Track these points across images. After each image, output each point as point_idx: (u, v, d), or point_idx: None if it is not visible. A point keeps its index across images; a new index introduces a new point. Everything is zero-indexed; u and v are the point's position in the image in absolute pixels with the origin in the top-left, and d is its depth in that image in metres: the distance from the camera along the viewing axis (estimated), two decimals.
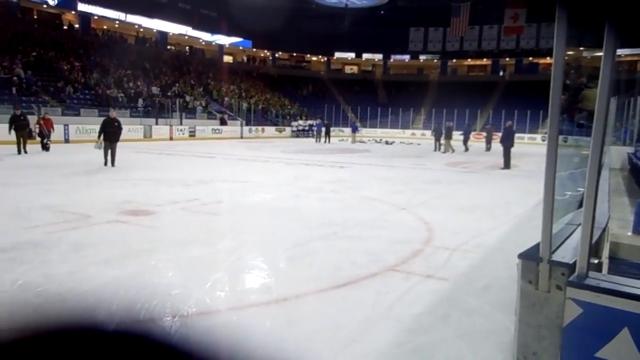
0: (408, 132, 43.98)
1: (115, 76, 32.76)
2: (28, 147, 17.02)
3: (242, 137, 34.58)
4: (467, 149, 25.57)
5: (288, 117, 43.77)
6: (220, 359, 0.53)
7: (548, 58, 49.27)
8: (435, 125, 28.76)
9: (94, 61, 33.44)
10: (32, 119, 18.53)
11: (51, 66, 29.69)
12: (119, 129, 13.66)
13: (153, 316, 3.54)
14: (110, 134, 13.33)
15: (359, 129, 38.22)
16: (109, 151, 13.26)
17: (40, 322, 0.50)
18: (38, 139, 18.06)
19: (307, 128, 38.29)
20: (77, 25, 39.86)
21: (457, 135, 26.71)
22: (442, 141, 25.83)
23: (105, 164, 13.24)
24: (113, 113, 14.19)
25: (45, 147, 17.99)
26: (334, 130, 37.56)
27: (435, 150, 25.38)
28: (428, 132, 29.83)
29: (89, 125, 24.00)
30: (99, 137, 13.33)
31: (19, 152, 16.53)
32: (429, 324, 3.61)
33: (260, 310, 3.81)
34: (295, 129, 39.74)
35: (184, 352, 0.51)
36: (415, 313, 3.78)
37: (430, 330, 3.50)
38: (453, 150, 24.43)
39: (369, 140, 36.33)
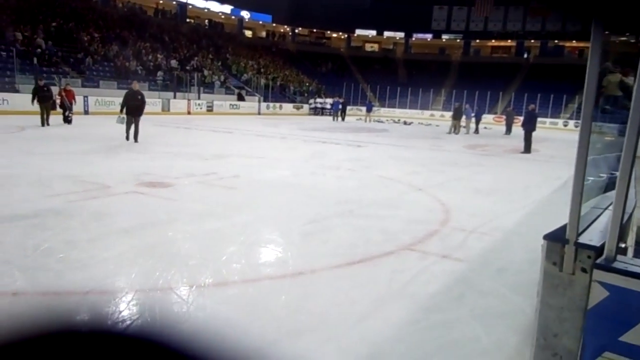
0: (427, 112, 43.47)
1: (134, 48, 32.79)
2: (50, 119, 16.40)
3: (259, 114, 34.53)
4: (477, 131, 25.61)
5: (306, 95, 43.53)
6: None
7: (574, 42, 48.08)
8: (455, 105, 28.27)
9: (114, 33, 33.47)
10: (54, 90, 18.00)
11: (71, 37, 29.79)
12: (142, 102, 12.86)
13: (171, 285, 3.59)
14: (133, 108, 12.54)
15: (374, 108, 37.79)
16: (132, 125, 12.57)
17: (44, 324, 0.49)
18: (60, 110, 17.40)
19: (327, 106, 37.70)
20: None
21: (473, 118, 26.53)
22: (463, 123, 25.59)
23: (128, 138, 12.54)
24: (136, 85, 13.38)
25: (67, 120, 17.34)
26: (351, 109, 37.37)
27: (452, 131, 25.08)
28: (447, 114, 29.39)
29: (108, 97, 24.18)
30: (121, 110, 12.57)
31: (42, 124, 15.98)
32: (444, 304, 3.61)
33: (276, 283, 3.84)
34: (313, 106, 39.46)
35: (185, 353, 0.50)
36: (430, 292, 3.78)
37: (445, 310, 3.50)
38: (458, 131, 24.64)
39: (387, 120, 36.02)
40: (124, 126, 12.57)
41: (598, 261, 1.58)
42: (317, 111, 38.63)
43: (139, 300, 3.21)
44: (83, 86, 25.00)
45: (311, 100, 40.44)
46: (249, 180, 8.40)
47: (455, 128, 24.90)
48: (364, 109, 36.41)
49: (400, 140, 19.75)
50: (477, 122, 26.12)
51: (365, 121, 33.31)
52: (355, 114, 38.76)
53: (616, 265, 1.56)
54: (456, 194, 8.08)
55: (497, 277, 4.22)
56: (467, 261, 4.59)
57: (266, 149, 13.65)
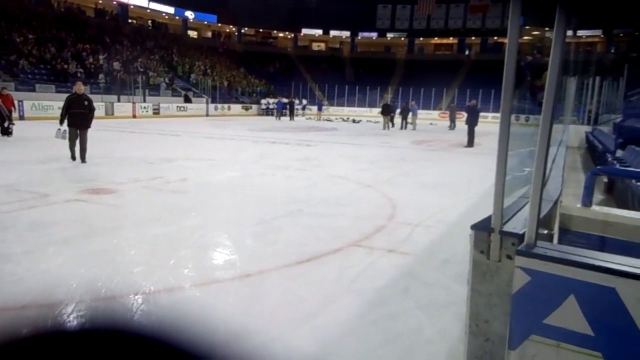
0: (375, 110, 44.08)
1: (72, 50, 31.53)
2: None
3: (207, 115, 34.03)
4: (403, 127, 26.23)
5: (255, 95, 43.25)
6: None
7: None
8: (402, 104, 29.12)
9: (50, 34, 32.05)
10: None
11: (2, 38, 28.31)
12: (90, 109, 9.95)
13: (114, 294, 3.50)
14: (77, 117, 9.71)
15: (323, 107, 38.30)
16: (76, 140, 9.78)
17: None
18: None
19: (275, 106, 37.75)
20: None
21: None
22: (410, 119, 26.26)
23: (74, 157, 9.76)
24: (81, 87, 10.20)
25: (6, 132, 14.44)
26: (300, 108, 37.71)
27: (401, 128, 25.70)
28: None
29: (46, 101, 23.15)
30: (61, 120, 9.76)
31: None
32: (390, 297, 3.70)
33: (224, 286, 3.81)
34: (264, 107, 39.35)
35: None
36: (376, 286, 3.86)
37: (390, 303, 3.58)
38: (392, 126, 25.64)
39: (336, 119, 36.35)
40: (66, 142, 9.83)
41: (519, 247, 1.68)
42: (269, 112, 38.51)
43: (79, 312, 3.11)
44: (17, 90, 23.78)
45: (262, 101, 40.30)
46: (197, 183, 8.28)
47: (386, 124, 25.46)
48: (314, 108, 36.74)
49: (349, 138, 19.97)
50: (404, 118, 26.58)
51: (317, 120, 33.69)
52: (305, 113, 38.90)
53: (536, 250, 1.66)
54: (403, 189, 8.27)
55: (441, 268, 4.36)
56: (412, 254, 4.72)
57: (215, 151, 13.49)
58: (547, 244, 1.79)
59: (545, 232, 2.17)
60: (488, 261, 1.78)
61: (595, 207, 3.01)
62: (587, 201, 2.99)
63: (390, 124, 25.77)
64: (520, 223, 1.87)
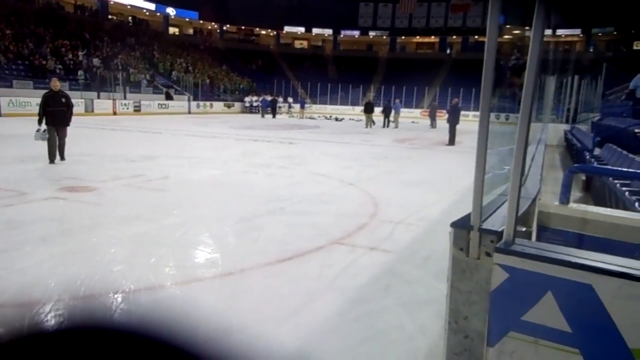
0: (358, 108, 44.21)
1: (51, 46, 30.97)
2: None
3: (189, 113, 33.75)
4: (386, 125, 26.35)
5: (237, 93, 43.03)
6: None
7: None
8: (385, 103, 29.36)
9: (28, 29, 31.43)
10: None
11: None
12: (68, 106, 9.56)
13: (93, 292, 3.46)
14: (55, 115, 9.31)
15: (306, 105, 38.43)
16: (56, 140, 9.37)
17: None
18: None
19: (259, 104, 37.56)
20: None
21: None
22: (392, 117, 26.44)
23: (52, 159, 9.27)
24: (56, 83, 9.67)
25: None
26: (281, 106, 37.74)
27: (384, 126, 25.82)
28: (378, 109, 30.35)
29: (24, 97, 22.73)
30: (39, 120, 9.26)
31: None
32: (371, 294, 3.71)
33: (205, 285, 3.79)
34: (248, 104, 39.21)
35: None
36: (358, 284, 3.87)
37: (371, 300, 3.60)
38: (373, 124, 25.81)
39: (318, 117, 36.36)
40: (45, 143, 9.32)
41: (498, 245, 1.70)
42: (253, 109, 38.38)
43: (57, 311, 3.06)
44: None
45: (246, 99, 40.16)
46: (179, 181, 8.21)
47: (369, 122, 25.63)
48: (296, 106, 36.81)
49: (332, 136, 19.99)
50: (386, 116, 26.88)
51: (299, 118, 33.73)
52: (286, 110, 38.86)
53: (514, 247, 1.68)
54: (386, 187, 8.30)
55: (422, 265, 4.39)
56: (394, 252, 4.75)
57: (197, 149, 13.38)
58: (525, 241, 1.82)
59: (524, 229, 2.19)
60: (467, 258, 1.79)
61: (572, 205, 3.06)
62: (564, 199, 3.04)
63: (372, 122, 25.92)
64: (499, 221, 1.90)
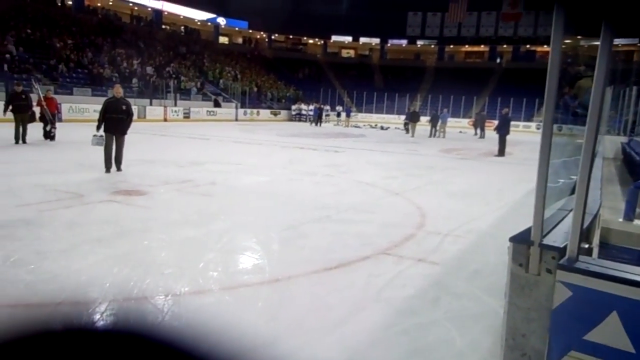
0: (403, 117, 43.87)
1: (109, 55, 32.38)
2: (28, 134, 13.20)
3: (237, 120, 34.42)
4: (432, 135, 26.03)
5: (284, 101, 43.55)
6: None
7: (545, 46, 49.08)
8: (432, 112, 29.07)
9: (88, 39, 32.99)
10: (33, 98, 14.37)
11: (44, 43, 29.27)
12: (128, 114, 9.27)
13: (145, 295, 3.55)
14: (114, 123, 9.03)
15: (352, 113, 38.50)
16: (113, 148, 9.11)
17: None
18: (41, 123, 14.10)
19: (311, 112, 37.42)
20: (70, 2, 39.23)
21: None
22: (439, 127, 26.12)
23: (109, 168, 9.04)
24: (119, 90, 9.50)
25: (48, 135, 14.17)
26: (328, 114, 37.93)
27: (430, 136, 25.49)
28: (424, 118, 30.02)
29: (82, 104, 23.83)
30: (98, 126, 9.08)
31: (17, 140, 12.93)
32: (419, 307, 3.64)
33: (253, 290, 3.83)
34: (295, 112, 39.63)
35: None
36: (405, 296, 3.81)
37: (419, 313, 3.53)
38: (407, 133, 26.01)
39: (364, 125, 36.29)
40: (102, 149, 9.13)
41: (561, 262, 1.63)
42: (301, 117, 38.79)
43: (112, 311, 3.16)
44: (56, 93, 24.42)
45: (293, 107, 40.62)
46: (226, 187, 8.36)
47: (434, 133, 25.53)
48: (342, 114, 36.90)
49: (377, 145, 19.89)
50: (433, 126, 26.49)
51: (345, 126, 33.83)
52: (333, 119, 39.00)
53: (578, 265, 1.61)
54: (432, 197, 8.17)
55: (471, 279, 4.28)
56: (442, 264, 4.65)
57: (243, 156, 13.60)
58: (588, 258, 1.74)
59: (586, 246, 2.10)
60: (527, 274, 1.73)
61: (638, 222, 2.91)
62: (629, 215, 2.89)
63: (406, 131, 26.00)
64: (560, 236, 1.82)
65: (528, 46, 51.61)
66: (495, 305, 3.60)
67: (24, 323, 0.49)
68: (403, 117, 31.73)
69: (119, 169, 9.20)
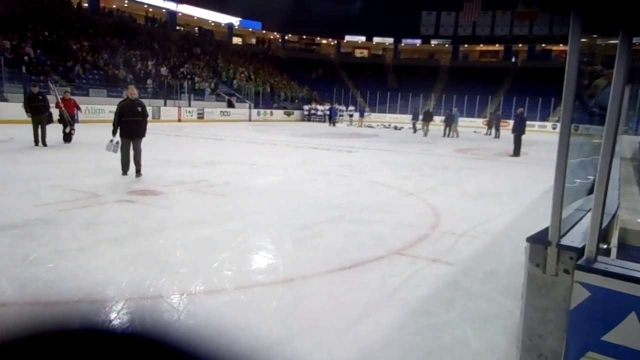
0: (411, 117, 43.64)
1: (124, 56, 32.73)
2: (47, 136, 13.12)
3: (250, 120, 34.58)
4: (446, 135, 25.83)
5: (297, 101, 43.63)
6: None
7: (561, 45, 48.53)
8: (447, 112, 28.92)
9: (103, 41, 33.39)
10: (50, 99, 14.23)
11: (60, 45, 29.69)
12: (143, 116, 8.85)
13: (161, 293, 3.59)
14: (130, 126, 8.61)
15: (365, 113, 38.43)
16: (130, 153, 8.73)
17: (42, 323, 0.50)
18: (60, 125, 13.93)
19: (327, 112, 37.07)
20: (86, 4, 39.72)
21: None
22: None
23: (126, 171, 8.75)
24: (134, 91, 9.09)
25: (68, 138, 13.97)
26: (342, 114, 37.89)
27: (444, 136, 25.36)
28: (438, 118, 29.86)
29: (98, 105, 24.14)
30: (114, 130, 8.66)
31: (36, 142, 12.90)
32: (434, 307, 3.63)
33: (267, 290, 3.84)
34: (307, 112, 39.66)
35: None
36: (420, 296, 3.80)
37: (434, 314, 3.52)
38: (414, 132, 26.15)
39: (377, 125, 36.20)
40: (118, 154, 8.79)
41: (579, 262, 1.62)
42: (314, 118, 38.84)
43: (129, 309, 3.20)
44: (72, 94, 24.79)
45: (305, 107, 40.67)
46: (240, 187, 8.40)
47: (448, 133, 25.44)
48: (355, 114, 36.87)
49: (390, 145, 19.84)
50: (447, 125, 26.44)
51: (358, 126, 33.80)
52: (346, 119, 38.98)
53: (597, 266, 1.60)
54: (446, 197, 8.13)
55: (487, 280, 4.25)
56: (457, 264, 4.63)
57: (257, 156, 13.65)
58: (607, 259, 1.72)
59: (604, 246, 2.08)
60: (544, 275, 1.72)
61: None
62: None
63: (415, 130, 26.01)
64: (578, 236, 1.81)
65: (544, 45, 51.05)
66: (511, 306, 3.57)
67: (42, 320, 0.50)
68: (411, 116, 31.60)
69: (139, 173, 8.78)
